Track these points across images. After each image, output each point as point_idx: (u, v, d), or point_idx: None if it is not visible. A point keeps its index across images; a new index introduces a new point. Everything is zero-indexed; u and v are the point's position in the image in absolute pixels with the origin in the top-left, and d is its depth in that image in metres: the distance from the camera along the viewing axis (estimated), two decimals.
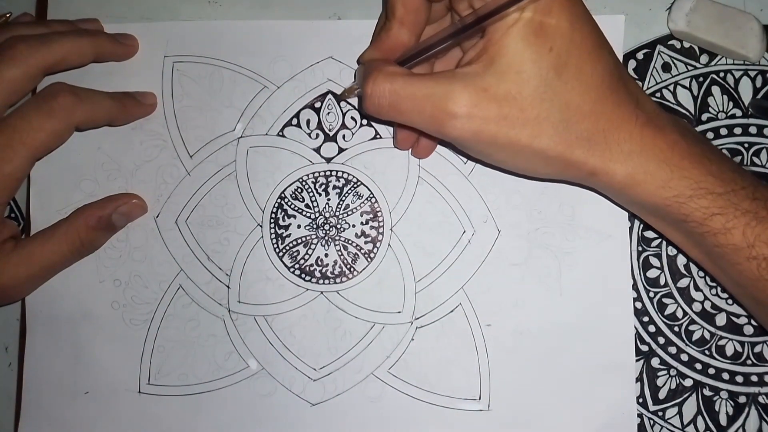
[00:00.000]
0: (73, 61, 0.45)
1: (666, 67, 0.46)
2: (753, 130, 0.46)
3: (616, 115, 0.36)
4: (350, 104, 0.48)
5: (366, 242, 0.47)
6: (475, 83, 0.35)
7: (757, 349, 0.45)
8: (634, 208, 0.40)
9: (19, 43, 0.43)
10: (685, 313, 0.45)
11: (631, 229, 0.46)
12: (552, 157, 0.36)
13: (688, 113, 0.46)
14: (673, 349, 0.45)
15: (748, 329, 0.45)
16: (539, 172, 0.39)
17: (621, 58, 0.46)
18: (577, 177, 0.38)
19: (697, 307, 0.45)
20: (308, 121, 0.48)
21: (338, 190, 0.47)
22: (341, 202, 0.47)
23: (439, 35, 0.38)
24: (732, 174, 0.37)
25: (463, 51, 0.40)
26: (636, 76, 0.46)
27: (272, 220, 0.47)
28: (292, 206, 0.47)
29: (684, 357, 0.45)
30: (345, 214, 0.47)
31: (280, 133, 0.48)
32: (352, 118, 0.48)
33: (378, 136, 0.47)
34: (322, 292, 0.47)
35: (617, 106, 0.36)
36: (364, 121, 0.48)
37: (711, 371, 0.45)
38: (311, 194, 0.47)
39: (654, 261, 0.46)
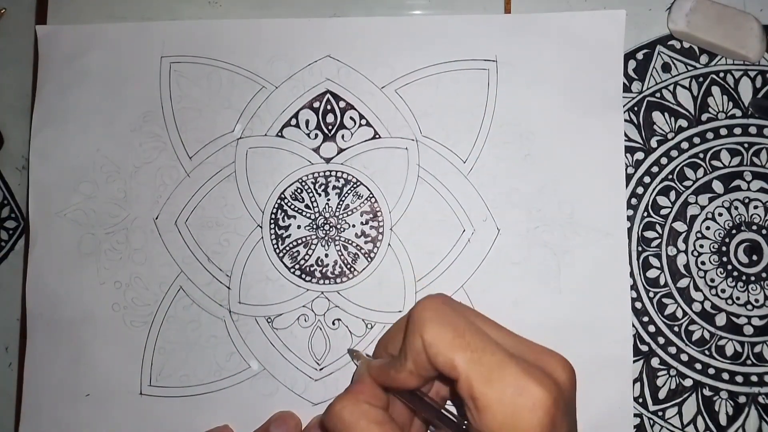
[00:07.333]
0: None
1: (666, 68, 0.46)
2: (753, 130, 0.46)
3: None
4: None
5: (366, 242, 0.47)
6: None
7: (757, 349, 0.45)
8: None
9: None
10: (684, 313, 0.46)
11: (630, 229, 0.46)
12: None
13: (688, 113, 0.46)
14: (672, 349, 0.45)
15: (748, 329, 0.45)
16: None
17: (621, 55, 0.46)
18: None
19: (696, 307, 0.46)
20: (307, 122, 0.48)
21: (338, 190, 0.47)
22: (341, 202, 0.47)
23: (427, 408, 0.36)
24: None
25: None
26: (636, 77, 0.46)
27: (272, 221, 0.47)
28: (292, 207, 0.47)
29: (684, 357, 0.45)
30: (345, 214, 0.47)
31: (279, 134, 0.48)
32: (351, 118, 0.47)
33: (377, 136, 0.47)
34: (322, 292, 0.47)
35: None
36: (363, 121, 0.47)
37: (711, 371, 0.45)
38: (311, 194, 0.47)
39: (654, 261, 0.46)
